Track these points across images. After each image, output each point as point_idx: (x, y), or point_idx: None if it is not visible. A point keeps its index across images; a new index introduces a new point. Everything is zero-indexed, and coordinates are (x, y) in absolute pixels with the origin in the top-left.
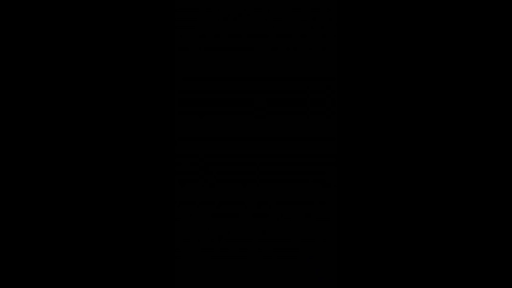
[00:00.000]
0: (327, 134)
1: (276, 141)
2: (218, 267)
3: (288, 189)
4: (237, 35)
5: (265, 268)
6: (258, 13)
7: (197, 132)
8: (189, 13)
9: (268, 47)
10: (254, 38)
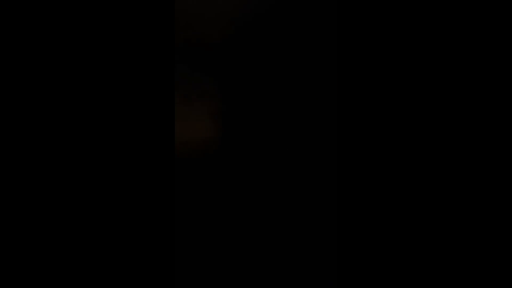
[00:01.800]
0: (327, 134)
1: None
2: (218, 267)
3: (288, 189)
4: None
5: (265, 268)
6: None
7: None
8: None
9: (268, 47)
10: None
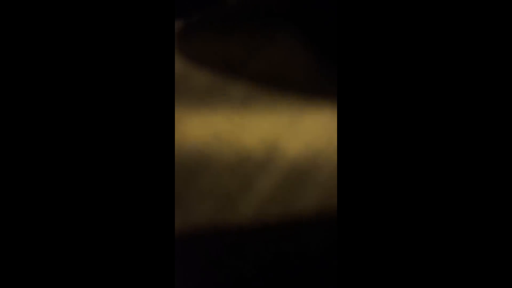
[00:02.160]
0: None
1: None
2: (218, 267)
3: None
4: None
5: (264, 268)
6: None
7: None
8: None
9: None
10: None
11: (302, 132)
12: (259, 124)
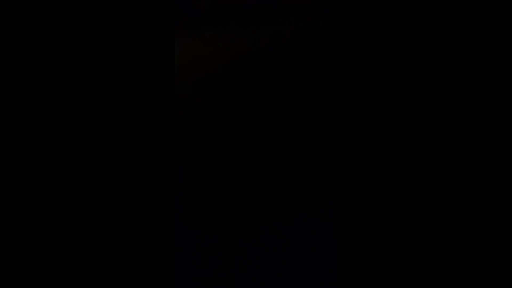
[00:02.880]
0: (327, 134)
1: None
2: (219, 267)
3: (288, 189)
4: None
5: (265, 268)
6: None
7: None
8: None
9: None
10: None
11: None
12: None
